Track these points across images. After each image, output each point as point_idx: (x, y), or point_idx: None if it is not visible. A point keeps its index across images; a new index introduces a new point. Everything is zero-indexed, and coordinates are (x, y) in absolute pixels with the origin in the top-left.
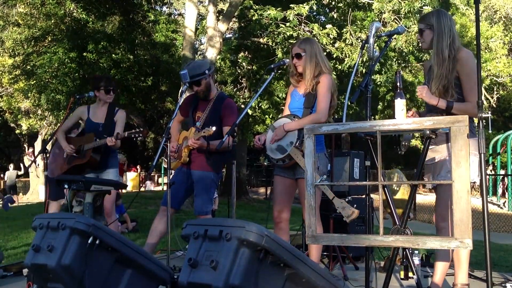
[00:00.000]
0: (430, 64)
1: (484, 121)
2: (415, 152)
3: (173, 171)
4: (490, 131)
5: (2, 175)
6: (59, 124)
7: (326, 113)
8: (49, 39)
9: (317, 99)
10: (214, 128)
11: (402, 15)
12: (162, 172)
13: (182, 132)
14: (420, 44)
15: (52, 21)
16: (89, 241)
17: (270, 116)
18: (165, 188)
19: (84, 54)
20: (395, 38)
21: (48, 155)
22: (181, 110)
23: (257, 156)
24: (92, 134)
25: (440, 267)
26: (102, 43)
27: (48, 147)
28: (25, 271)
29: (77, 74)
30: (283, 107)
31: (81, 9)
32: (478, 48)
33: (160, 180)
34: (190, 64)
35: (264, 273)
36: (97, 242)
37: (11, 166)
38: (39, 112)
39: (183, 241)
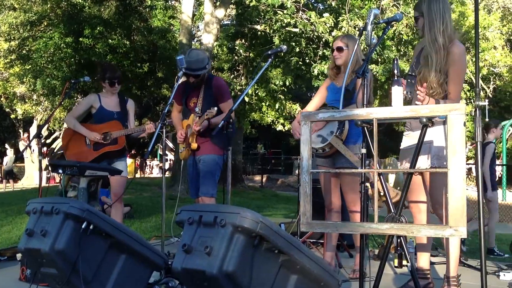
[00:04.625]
0: (421, 47)
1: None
2: None
3: (182, 161)
4: (487, 120)
5: None
6: (68, 113)
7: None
8: (45, 24)
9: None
10: (215, 109)
11: (401, 1)
12: (158, 158)
13: (183, 121)
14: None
15: (48, 6)
16: (83, 226)
17: (267, 104)
18: (160, 175)
19: (80, 39)
20: (394, 23)
21: (42, 140)
22: (177, 100)
23: (253, 143)
24: (117, 121)
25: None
26: (98, 28)
27: (43, 132)
28: (18, 255)
29: (72, 59)
30: (280, 95)
31: None
32: (476, 37)
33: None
34: (192, 56)
35: (259, 260)
36: (91, 227)
37: (11, 151)
38: (35, 97)
39: (177, 228)
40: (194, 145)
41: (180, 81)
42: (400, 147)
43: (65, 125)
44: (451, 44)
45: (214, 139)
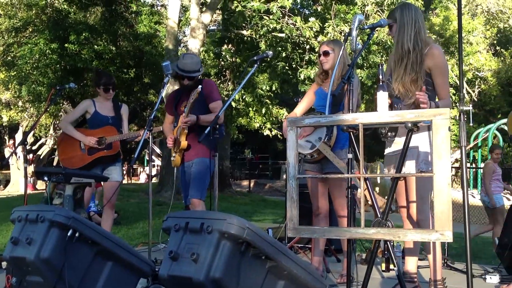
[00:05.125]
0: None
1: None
2: None
3: (175, 168)
4: (471, 124)
5: None
6: (63, 118)
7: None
8: (30, 30)
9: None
10: (200, 87)
11: (385, 8)
12: (145, 165)
13: (175, 128)
14: None
15: (33, 12)
16: (68, 234)
17: (254, 109)
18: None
19: (66, 45)
20: (377, 30)
21: (27, 147)
22: (169, 111)
23: (240, 148)
24: (112, 127)
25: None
26: (84, 34)
27: (29, 139)
28: (4, 264)
29: (58, 66)
30: (267, 100)
31: (63, 0)
32: (460, 42)
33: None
34: (187, 59)
35: (246, 266)
36: (77, 235)
37: None
38: (20, 103)
39: (165, 235)
40: (184, 143)
41: (166, 87)
42: (385, 153)
43: (51, 131)
44: (428, 47)
45: (203, 142)
